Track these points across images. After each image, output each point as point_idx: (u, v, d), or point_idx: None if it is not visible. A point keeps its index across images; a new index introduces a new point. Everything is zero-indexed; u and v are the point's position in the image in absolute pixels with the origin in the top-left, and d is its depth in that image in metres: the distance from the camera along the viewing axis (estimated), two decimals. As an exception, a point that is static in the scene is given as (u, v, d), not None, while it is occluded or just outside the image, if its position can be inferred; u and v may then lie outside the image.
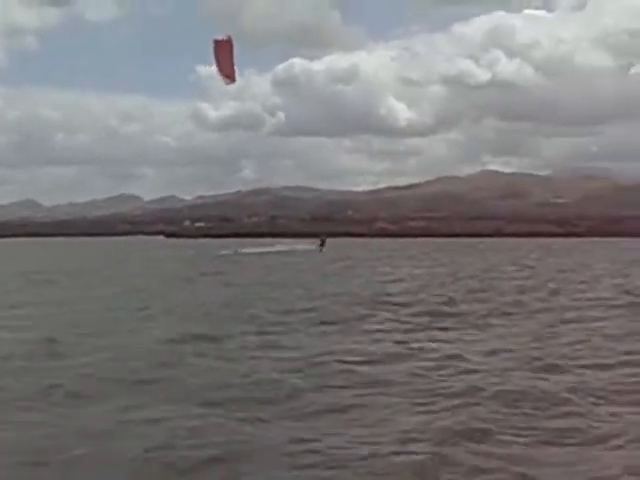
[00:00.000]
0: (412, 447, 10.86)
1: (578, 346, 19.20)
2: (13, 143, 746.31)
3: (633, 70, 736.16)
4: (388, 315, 26.20)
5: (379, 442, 11.13)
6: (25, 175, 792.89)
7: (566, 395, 13.75)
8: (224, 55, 35.71)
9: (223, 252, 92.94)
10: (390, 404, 13.44)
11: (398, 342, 20.00)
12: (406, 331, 22.11)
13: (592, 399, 13.65)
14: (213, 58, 33.85)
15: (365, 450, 10.77)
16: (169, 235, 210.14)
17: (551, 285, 39.52)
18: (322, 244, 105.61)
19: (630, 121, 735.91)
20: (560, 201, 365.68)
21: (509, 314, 26.38)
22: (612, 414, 12.61)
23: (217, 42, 35.46)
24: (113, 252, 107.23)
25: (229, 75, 34.93)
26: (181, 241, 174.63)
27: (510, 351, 18.55)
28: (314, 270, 55.57)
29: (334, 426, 12.10)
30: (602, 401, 13.56)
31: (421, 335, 21.41)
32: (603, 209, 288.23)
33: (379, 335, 21.26)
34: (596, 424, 12.03)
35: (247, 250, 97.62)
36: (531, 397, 13.69)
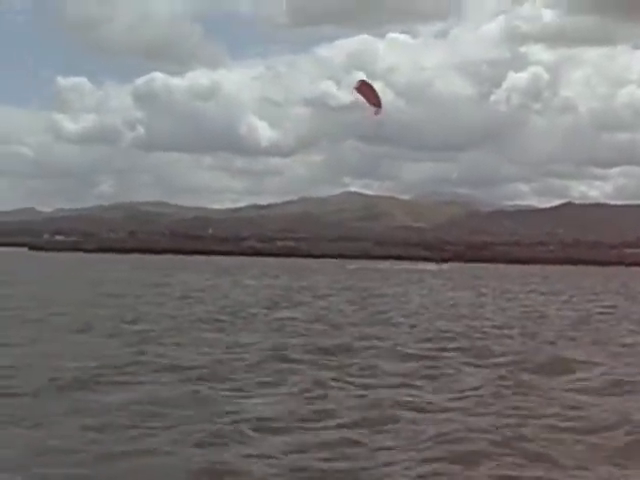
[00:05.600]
0: None
1: None
2: None
3: (492, 98, 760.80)
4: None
5: None
6: None
7: None
8: (368, 90, 45.08)
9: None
10: None
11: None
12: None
13: None
14: (360, 95, 42.56)
15: None
16: (33, 248, 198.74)
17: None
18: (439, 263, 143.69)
19: (489, 148, 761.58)
20: (419, 225, 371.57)
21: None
22: None
23: (361, 82, 45.52)
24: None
25: (377, 103, 45.49)
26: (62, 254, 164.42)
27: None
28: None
29: None
30: None
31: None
32: (461, 234, 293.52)
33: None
34: None
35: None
36: None
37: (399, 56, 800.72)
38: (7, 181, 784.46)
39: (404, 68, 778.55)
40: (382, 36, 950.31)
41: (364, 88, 43.78)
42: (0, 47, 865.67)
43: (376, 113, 43.73)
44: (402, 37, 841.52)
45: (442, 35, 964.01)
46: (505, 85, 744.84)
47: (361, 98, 43.32)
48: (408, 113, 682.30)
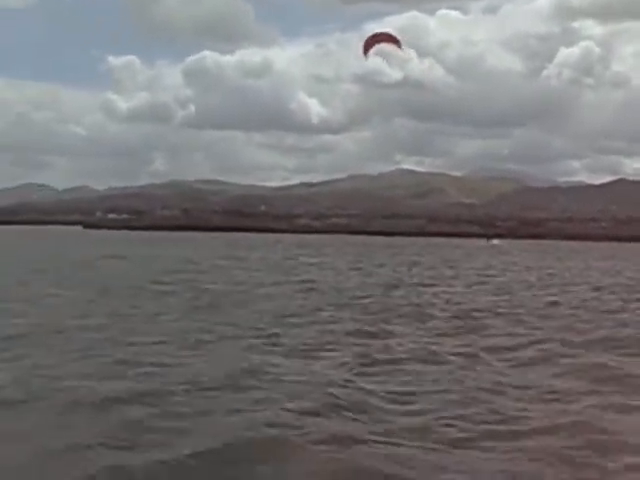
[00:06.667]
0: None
1: None
2: None
3: (544, 73, 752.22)
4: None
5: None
6: None
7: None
8: (379, 37, 44.23)
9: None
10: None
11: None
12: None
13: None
14: (382, 43, 43.02)
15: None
16: (87, 226, 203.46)
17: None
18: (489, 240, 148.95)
19: (540, 124, 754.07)
20: (471, 201, 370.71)
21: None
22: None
23: (369, 37, 44.27)
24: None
25: (395, 40, 43.79)
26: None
27: None
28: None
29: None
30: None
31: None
32: (513, 211, 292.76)
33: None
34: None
35: None
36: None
37: (450, 32, 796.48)
38: (63, 160, 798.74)
39: (455, 44, 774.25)
40: (432, 12, 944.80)
41: (375, 39, 43.93)
42: (52, 27, 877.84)
43: (402, 48, 43.07)
44: (453, 13, 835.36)
45: (492, 11, 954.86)
46: (556, 60, 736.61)
47: (380, 48, 43.10)
48: (459, 89, 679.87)
